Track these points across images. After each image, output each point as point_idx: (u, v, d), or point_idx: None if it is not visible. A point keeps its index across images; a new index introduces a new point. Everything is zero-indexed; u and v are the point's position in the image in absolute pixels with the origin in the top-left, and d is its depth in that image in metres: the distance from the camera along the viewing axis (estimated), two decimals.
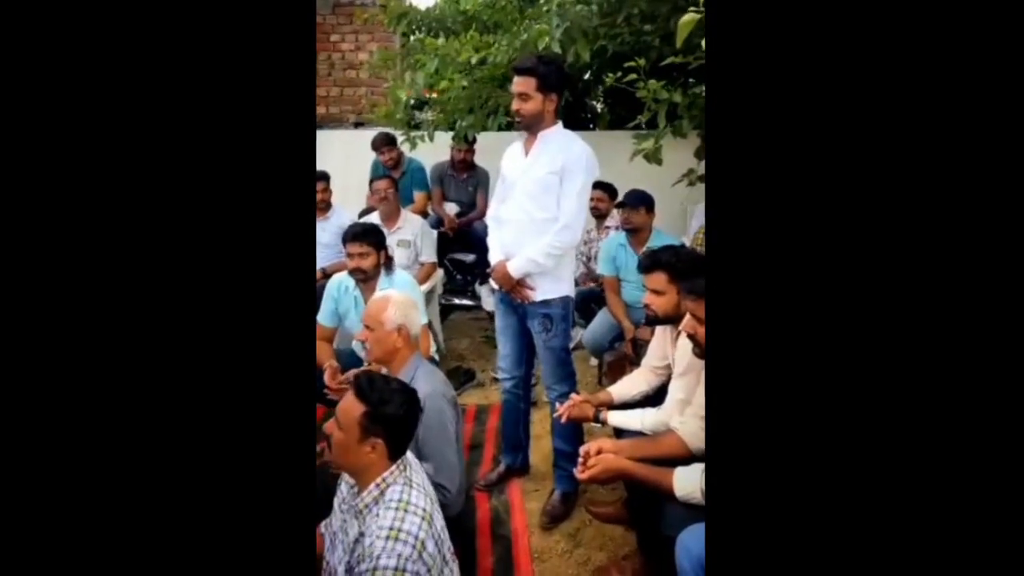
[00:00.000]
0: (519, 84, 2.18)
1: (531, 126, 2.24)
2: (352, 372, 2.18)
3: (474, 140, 4.07)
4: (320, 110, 5.34)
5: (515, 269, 2.26)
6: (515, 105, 2.20)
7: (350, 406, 1.47)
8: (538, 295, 2.30)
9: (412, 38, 4.09)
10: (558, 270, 2.31)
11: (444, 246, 4.22)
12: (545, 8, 3.05)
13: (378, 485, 1.47)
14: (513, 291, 2.31)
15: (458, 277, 4.55)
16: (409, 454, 1.57)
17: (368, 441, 1.45)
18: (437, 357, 2.97)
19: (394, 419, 1.48)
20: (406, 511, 1.40)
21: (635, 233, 3.13)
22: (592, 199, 3.35)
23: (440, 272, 3.98)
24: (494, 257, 2.37)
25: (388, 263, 2.69)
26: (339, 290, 2.73)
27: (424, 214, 4.24)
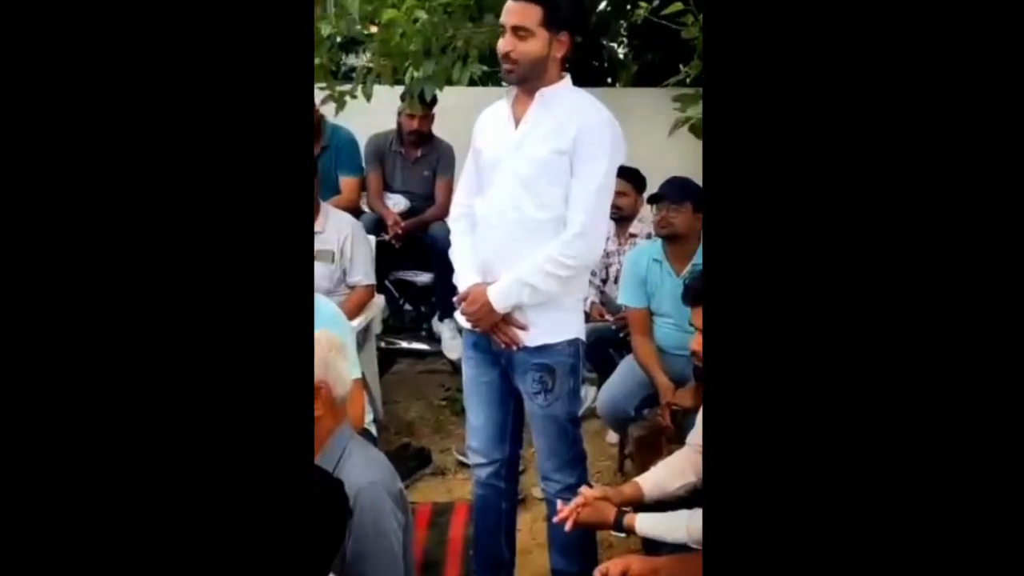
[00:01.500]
0: (515, 13, 2.18)
1: (527, 79, 2.24)
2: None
3: (433, 101, 4.07)
4: None
5: (499, 297, 2.25)
6: (506, 45, 2.20)
7: None
8: (533, 338, 2.30)
9: None
10: (564, 299, 2.32)
11: (386, 260, 4.22)
12: None
13: None
14: (495, 331, 2.30)
15: (407, 308, 4.57)
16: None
17: None
18: (374, 429, 2.98)
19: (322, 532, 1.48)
20: None
21: (676, 243, 3.12)
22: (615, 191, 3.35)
23: (380, 300, 3.96)
24: (465, 279, 2.37)
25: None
26: None
27: (356, 211, 4.26)
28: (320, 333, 2.10)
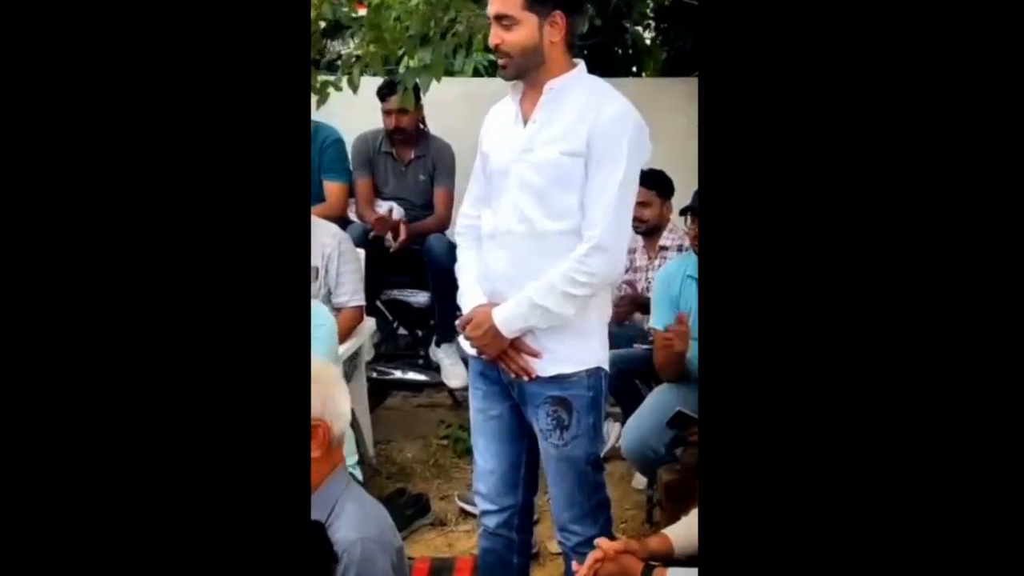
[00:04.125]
0: (494, 1, 2.20)
1: (525, 71, 2.24)
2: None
3: (418, 97, 3.99)
4: None
5: (507, 321, 2.25)
6: (492, 38, 2.21)
7: None
8: (547, 367, 2.28)
9: None
10: (583, 323, 2.30)
11: (377, 277, 4.24)
12: None
13: None
14: (503, 359, 2.30)
15: (401, 332, 4.56)
16: None
17: None
18: (358, 473, 2.97)
19: None
20: None
21: None
22: (636, 201, 3.33)
23: (370, 323, 3.97)
24: (470, 299, 2.37)
25: None
26: None
27: (342, 220, 4.29)
28: (319, 365, 2.10)
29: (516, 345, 2.27)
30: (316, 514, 1.80)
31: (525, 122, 2.29)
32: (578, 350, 2.31)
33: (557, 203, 2.24)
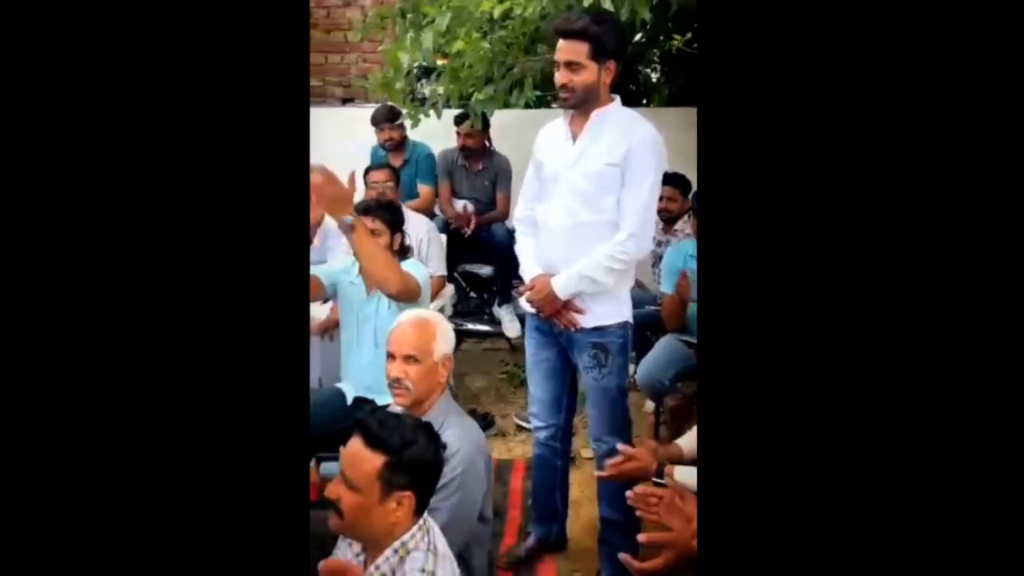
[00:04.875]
0: (566, 50, 2.17)
1: (581, 104, 2.23)
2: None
3: (486, 122, 4.05)
4: None
5: (563, 287, 2.26)
6: (562, 78, 2.19)
7: (361, 458, 1.47)
8: (590, 320, 2.30)
9: None
10: (616, 289, 2.32)
11: (454, 255, 4.25)
12: None
13: (396, 551, 1.49)
14: (556, 316, 2.31)
15: (471, 295, 4.57)
16: (428, 515, 1.59)
17: (393, 497, 1.47)
18: None
19: (422, 465, 1.51)
20: None
21: None
22: (661, 198, 3.26)
23: (450, 289, 4.00)
24: (530, 271, 2.38)
25: (404, 250, 2.73)
26: (342, 273, 2.73)
27: (430, 214, 4.28)
28: (425, 313, 2.11)
29: (567, 305, 2.30)
30: (433, 423, 1.80)
31: (575, 140, 2.28)
32: (612, 309, 2.33)
33: (599, 202, 2.25)
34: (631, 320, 2.39)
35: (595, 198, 2.25)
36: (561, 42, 2.19)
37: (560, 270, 2.29)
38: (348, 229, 2.25)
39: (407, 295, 2.43)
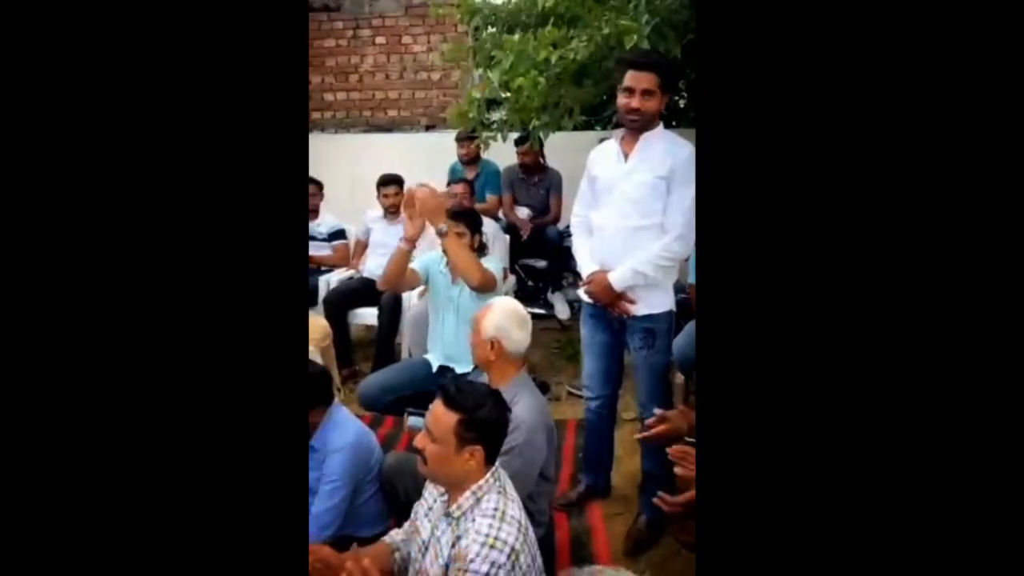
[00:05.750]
0: (641, 80, 2.08)
1: (644, 126, 2.16)
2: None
3: (541, 143, 4.03)
4: (392, 113, 5.40)
5: (619, 281, 2.19)
6: (634, 103, 2.10)
7: (441, 416, 1.49)
8: (641, 309, 2.23)
9: (485, 34, 4.08)
10: (663, 282, 2.24)
11: (515, 251, 4.22)
12: (631, 2, 2.98)
13: (474, 492, 1.50)
14: (612, 305, 2.24)
15: (529, 284, 4.53)
16: (499, 466, 1.59)
17: (466, 450, 1.48)
18: None
19: (490, 423, 1.51)
20: (502, 520, 1.44)
21: None
22: None
23: (512, 279, 3.99)
24: (587, 268, 2.30)
25: (482, 248, 2.74)
26: (434, 263, 2.75)
27: (495, 217, 4.26)
28: (506, 305, 2.07)
29: (621, 296, 2.22)
30: (505, 397, 1.78)
31: (626, 158, 2.20)
32: (659, 299, 2.26)
33: (648, 208, 2.17)
34: (674, 308, 2.31)
35: (645, 205, 2.17)
36: (634, 72, 2.10)
37: (614, 266, 2.21)
38: (442, 233, 2.31)
39: (484, 287, 2.48)
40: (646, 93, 2.09)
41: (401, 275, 2.54)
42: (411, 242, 2.41)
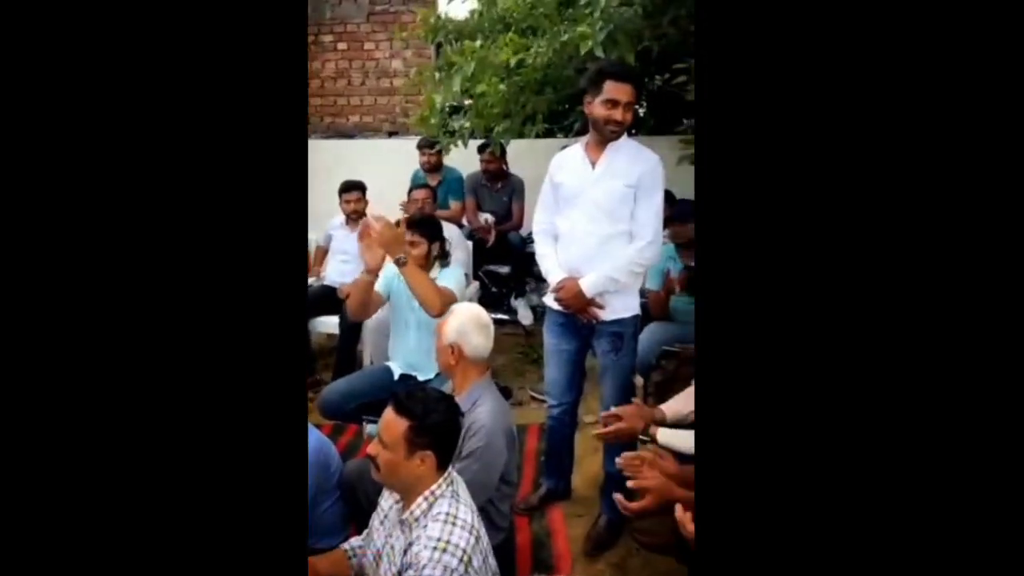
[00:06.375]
0: (620, 91, 2.09)
1: (621, 135, 2.18)
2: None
3: (503, 150, 4.07)
4: (354, 119, 5.39)
5: (591, 287, 2.18)
6: (616, 115, 2.10)
7: (392, 422, 1.50)
8: (609, 314, 2.23)
9: (449, 48, 4.09)
10: (630, 288, 2.27)
11: (478, 257, 4.22)
12: (587, 11, 3.03)
13: (426, 498, 1.50)
14: (582, 311, 2.23)
15: (493, 290, 4.53)
16: (453, 471, 1.59)
17: (416, 455, 1.48)
18: None
19: (440, 429, 1.51)
20: (454, 524, 1.44)
21: (684, 248, 3.08)
22: None
23: (475, 284, 3.98)
24: (554, 275, 2.27)
25: (444, 255, 2.71)
26: (394, 277, 2.70)
27: (459, 224, 4.26)
28: (468, 312, 2.07)
29: (590, 302, 2.22)
30: (464, 403, 1.80)
31: (593, 165, 2.21)
32: (626, 304, 2.27)
33: (617, 215, 2.19)
34: (639, 312, 2.34)
35: (615, 213, 2.18)
36: (616, 84, 2.09)
37: (583, 273, 2.21)
38: (402, 264, 2.29)
39: (445, 311, 2.40)
40: (628, 105, 2.11)
41: (368, 304, 2.51)
42: (373, 272, 2.37)
